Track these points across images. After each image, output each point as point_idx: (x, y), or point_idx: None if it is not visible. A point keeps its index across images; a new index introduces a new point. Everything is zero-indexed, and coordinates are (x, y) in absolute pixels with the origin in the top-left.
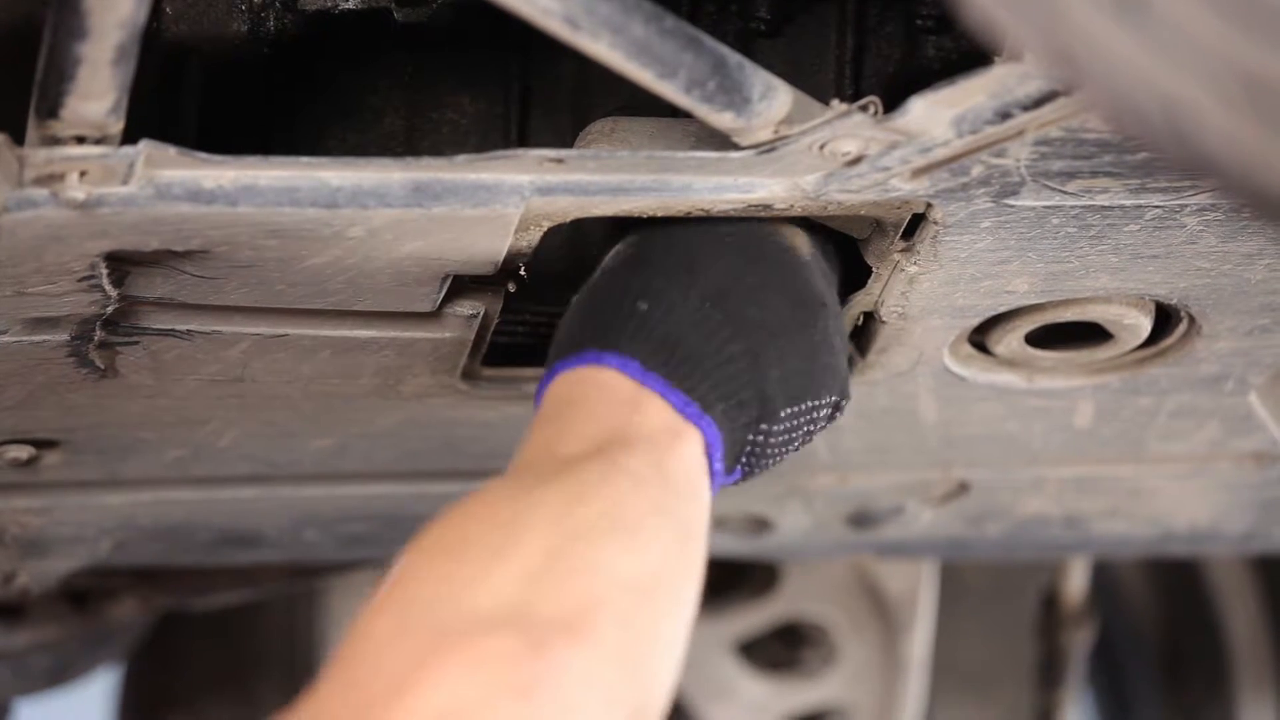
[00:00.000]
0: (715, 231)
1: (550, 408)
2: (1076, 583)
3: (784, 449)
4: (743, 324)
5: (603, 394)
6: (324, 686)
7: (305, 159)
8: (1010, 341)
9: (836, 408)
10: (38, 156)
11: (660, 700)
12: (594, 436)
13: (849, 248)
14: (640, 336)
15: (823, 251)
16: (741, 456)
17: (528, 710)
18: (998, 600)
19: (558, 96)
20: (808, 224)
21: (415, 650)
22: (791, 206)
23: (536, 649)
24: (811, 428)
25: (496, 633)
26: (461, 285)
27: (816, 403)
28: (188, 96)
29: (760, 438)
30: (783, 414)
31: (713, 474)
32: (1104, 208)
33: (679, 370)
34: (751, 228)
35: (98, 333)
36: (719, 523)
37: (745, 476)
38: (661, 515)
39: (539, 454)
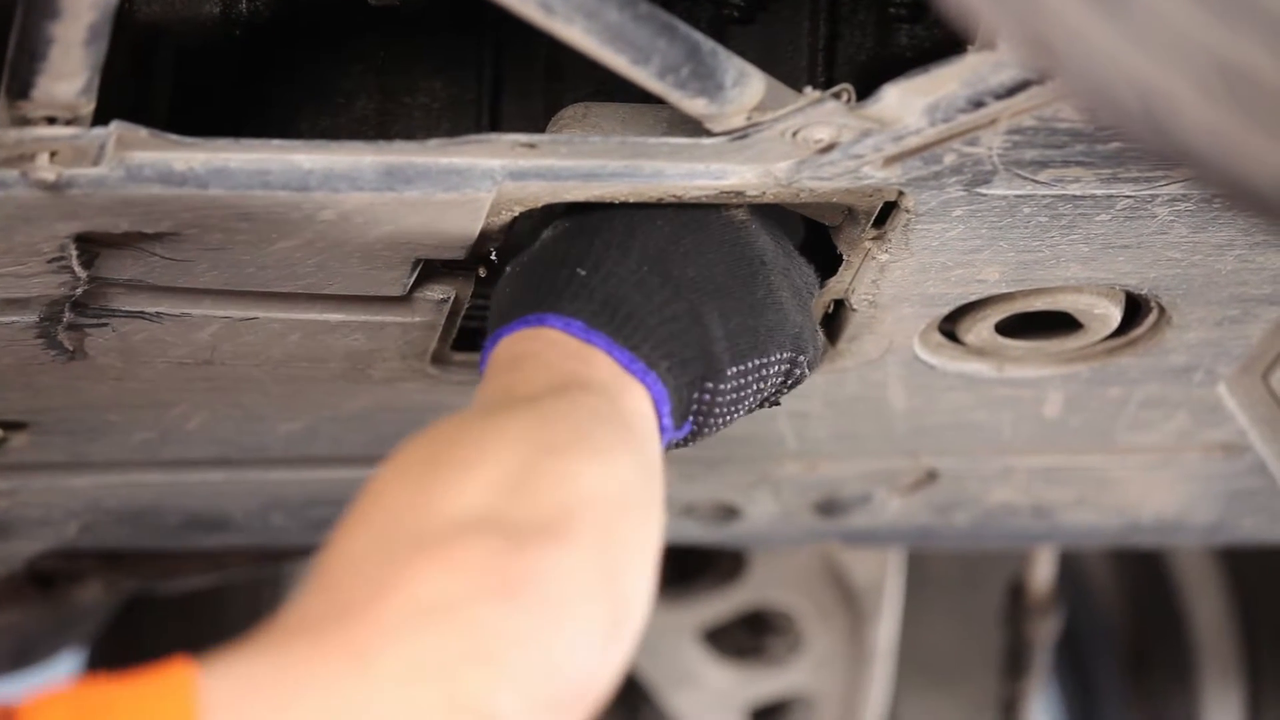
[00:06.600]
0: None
1: (501, 363)
2: (1043, 573)
3: (734, 408)
4: (681, 285)
5: (553, 348)
6: (303, 596)
7: (277, 142)
8: (980, 330)
9: (793, 364)
10: (8, 137)
11: (638, 611)
12: (550, 380)
13: (821, 235)
14: (582, 298)
15: (764, 215)
16: (689, 415)
17: (513, 606)
18: (964, 590)
19: (530, 81)
20: None
21: (394, 555)
22: (763, 193)
23: (519, 548)
24: (762, 385)
25: (477, 535)
26: (432, 269)
27: (765, 360)
28: (159, 78)
29: (707, 396)
30: (730, 372)
31: (662, 430)
32: (1075, 197)
33: (622, 329)
34: None
35: (66, 314)
36: (687, 510)
37: (695, 435)
38: (625, 445)
39: (498, 396)
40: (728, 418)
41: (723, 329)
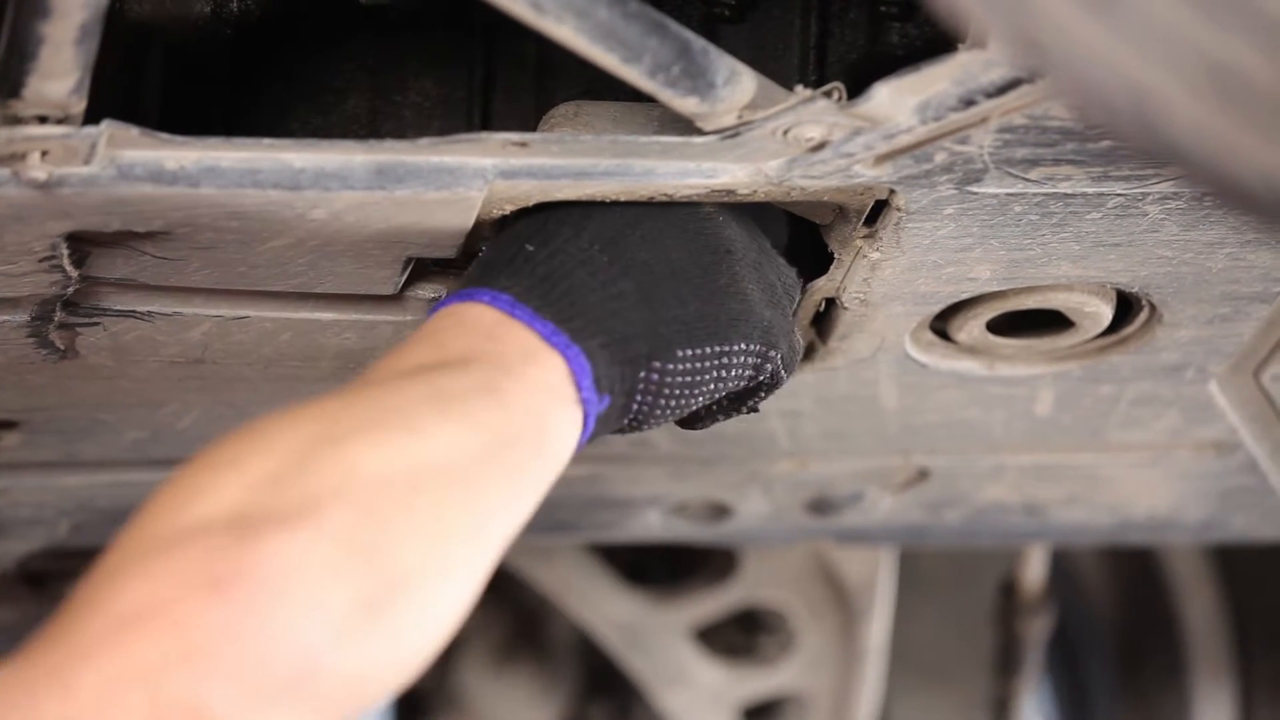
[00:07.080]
0: None
1: (410, 338)
2: (1035, 571)
3: (690, 392)
4: (633, 265)
5: (461, 325)
6: (62, 609)
7: (268, 140)
8: (972, 329)
9: (763, 359)
10: None
11: (418, 590)
12: (419, 360)
13: (812, 234)
14: (521, 274)
15: (738, 212)
16: (635, 393)
17: (221, 600)
18: (956, 588)
19: (521, 80)
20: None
21: (122, 563)
22: (755, 192)
23: (243, 541)
24: (724, 374)
25: (204, 535)
26: (423, 268)
27: (727, 349)
28: (150, 77)
29: (655, 376)
30: (681, 354)
31: (584, 402)
32: (1066, 195)
33: (556, 304)
34: None
35: (58, 313)
36: (679, 508)
37: (646, 417)
38: (461, 423)
39: (369, 373)
40: (683, 402)
41: (676, 311)
